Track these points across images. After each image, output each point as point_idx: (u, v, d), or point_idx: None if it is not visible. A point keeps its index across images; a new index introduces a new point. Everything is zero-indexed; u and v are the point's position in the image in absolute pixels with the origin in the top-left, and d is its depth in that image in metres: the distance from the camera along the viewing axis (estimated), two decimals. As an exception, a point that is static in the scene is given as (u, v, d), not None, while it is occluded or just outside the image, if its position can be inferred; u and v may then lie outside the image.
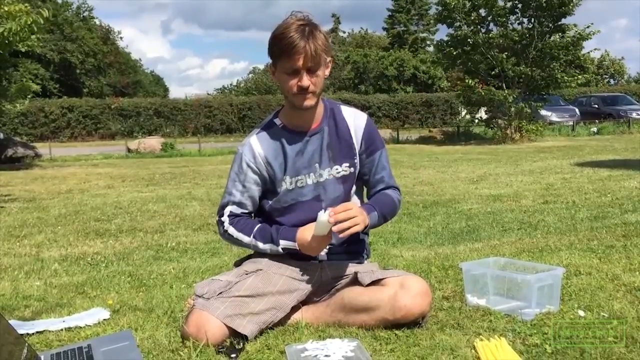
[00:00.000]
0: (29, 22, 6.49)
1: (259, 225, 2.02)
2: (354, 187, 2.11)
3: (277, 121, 2.05)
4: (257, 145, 2.02)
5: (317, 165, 2.02)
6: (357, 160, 2.06)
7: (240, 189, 2.02)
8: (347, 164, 2.05)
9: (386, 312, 1.85)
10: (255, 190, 2.03)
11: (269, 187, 2.04)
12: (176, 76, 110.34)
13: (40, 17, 6.54)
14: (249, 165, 2.01)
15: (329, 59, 1.95)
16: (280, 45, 1.86)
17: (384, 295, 1.87)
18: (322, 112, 2.04)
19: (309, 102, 1.93)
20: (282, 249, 1.96)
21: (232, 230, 2.02)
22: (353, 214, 1.85)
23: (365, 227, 1.94)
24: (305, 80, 1.88)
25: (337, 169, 2.03)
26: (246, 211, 2.05)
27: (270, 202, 2.05)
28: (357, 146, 2.06)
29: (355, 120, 2.07)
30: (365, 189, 2.17)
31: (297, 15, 1.91)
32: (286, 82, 1.90)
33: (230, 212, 2.03)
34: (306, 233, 1.93)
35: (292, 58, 1.85)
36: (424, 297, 1.87)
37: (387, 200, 2.08)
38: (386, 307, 1.85)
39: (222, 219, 2.05)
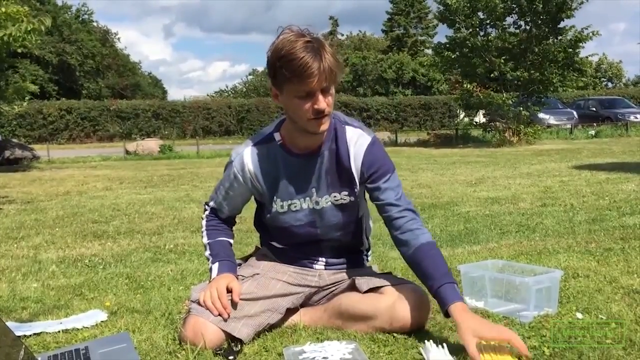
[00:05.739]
0: (29, 29, 6.49)
1: (222, 240, 2.01)
2: (360, 213, 2.01)
3: (277, 136, 1.88)
4: (248, 160, 1.89)
5: (313, 190, 1.90)
6: (357, 190, 1.91)
7: (223, 194, 2.00)
8: (346, 193, 1.91)
9: (384, 321, 1.83)
10: (238, 199, 2.00)
11: (261, 199, 1.99)
12: (177, 78, 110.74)
13: (42, 24, 6.54)
14: (235, 177, 1.93)
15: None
16: (290, 68, 1.65)
17: (382, 304, 1.84)
18: (326, 134, 1.85)
19: (325, 126, 1.77)
20: (210, 269, 1.94)
21: (204, 224, 2.05)
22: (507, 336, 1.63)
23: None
24: (322, 102, 1.70)
25: (335, 197, 1.91)
26: (223, 216, 2.05)
27: (267, 215, 1.98)
28: (356, 175, 1.89)
29: (355, 146, 1.87)
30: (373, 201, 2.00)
31: (295, 30, 1.70)
32: (299, 107, 1.72)
33: (213, 207, 2.05)
34: (222, 282, 1.85)
35: (305, 81, 1.66)
36: (422, 310, 1.84)
37: (433, 253, 1.82)
38: (384, 317, 1.83)
39: (206, 207, 2.07)
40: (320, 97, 1.71)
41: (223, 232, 2.04)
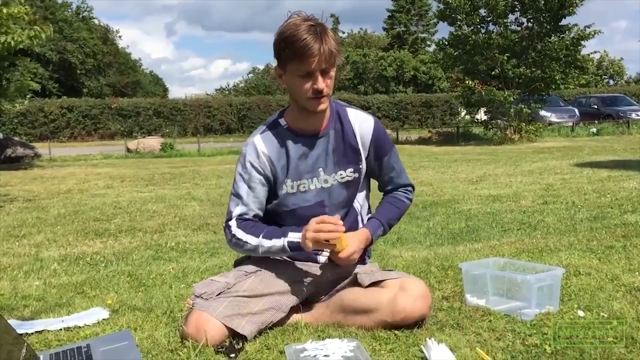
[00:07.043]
0: (30, 36, 6.51)
1: (270, 227, 1.95)
2: (364, 192, 2.10)
3: (282, 122, 1.99)
4: (261, 145, 1.97)
5: (321, 170, 1.98)
6: (362, 166, 2.02)
7: (246, 190, 1.96)
8: (352, 169, 2.01)
9: (385, 314, 1.84)
10: (262, 191, 1.97)
11: (271, 187, 2.00)
12: (179, 76, 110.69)
13: (43, 32, 6.57)
14: (252, 165, 1.96)
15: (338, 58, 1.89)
16: (293, 48, 1.78)
17: (384, 297, 1.86)
18: (329, 115, 1.98)
19: (324, 105, 1.88)
20: (288, 242, 1.86)
21: (240, 233, 1.93)
22: (354, 258, 1.93)
23: (368, 246, 2.05)
24: (321, 83, 1.82)
25: (341, 174, 2.00)
26: (253, 213, 1.97)
27: (275, 200, 2.00)
28: (363, 152, 2.01)
29: (361, 125, 2.00)
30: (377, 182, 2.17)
31: (302, 15, 1.83)
32: (300, 86, 1.84)
33: (238, 215, 1.96)
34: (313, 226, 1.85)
35: (306, 61, 1.78)
36: (423, 301, 1.86)
37: (394, 204, 2.10)
38: (385, 310, 1.84)
39: (230, 223, 1.96)
40: (320, 78, 1.82)
41: (265, 225, 1.97)
